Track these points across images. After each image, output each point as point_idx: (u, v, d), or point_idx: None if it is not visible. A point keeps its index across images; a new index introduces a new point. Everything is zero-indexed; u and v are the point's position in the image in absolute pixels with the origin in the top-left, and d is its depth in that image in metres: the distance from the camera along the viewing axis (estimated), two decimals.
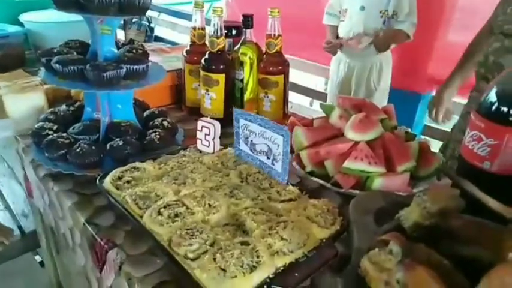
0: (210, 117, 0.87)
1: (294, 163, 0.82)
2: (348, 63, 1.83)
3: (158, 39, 3.42)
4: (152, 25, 3.33)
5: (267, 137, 0.74)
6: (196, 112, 1.14)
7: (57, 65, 0.76)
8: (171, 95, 1.24)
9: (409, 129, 0.93)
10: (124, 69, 0.78)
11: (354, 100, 0.90)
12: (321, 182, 0.77)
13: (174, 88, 1.23)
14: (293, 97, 2.74)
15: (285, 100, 1.11)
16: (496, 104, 0.60)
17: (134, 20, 3.34)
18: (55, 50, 0.83)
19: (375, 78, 1.85)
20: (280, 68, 1.05)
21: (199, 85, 1.11)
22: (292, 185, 0.74)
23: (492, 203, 0.53)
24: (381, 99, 1.90)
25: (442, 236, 0.57)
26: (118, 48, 0.89)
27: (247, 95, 1.13)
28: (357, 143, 0.77)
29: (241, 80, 1.11)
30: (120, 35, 3.51)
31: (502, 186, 0.64)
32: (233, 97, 1.12)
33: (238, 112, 0.80)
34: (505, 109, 0.59)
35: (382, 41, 1.54)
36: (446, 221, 0.56)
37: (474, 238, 0.56)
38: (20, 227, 1.40)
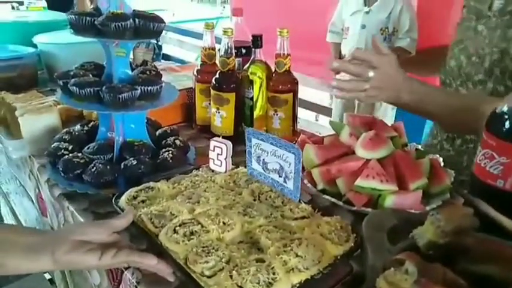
0: (221, 136, 0.89)
1: (306, 181, 0.83)
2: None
3: (166, 57, 3.48)
4: (160, 43, 3.40)
5: (278, 156, 0.75)
6: (206, 130, 1.15)
7: (74, 87, 0.78)
8: (182, 113, 1.26)
9: (419, 146, 0.94)
10: (138, 91, 0.80)
11: (364, 118, 0.91)
12: (333, 200, 0.77)
13: (184, 107, 1.25)
14: (299, 112, 2.76)
15: (294, 117, 1.12)
16: (508, 123, 0.61)
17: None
18: (71, 73, 0.85)
19: None
20: (289, 86, 1.07)
21: (209, 104, 1.13)
22: (305, 202, 0.75)
23: (507, 222, 0.53)
24: (384, 114, 1.91)
25: (457, 255, 0.57)
26: (132, 69, 0.91)
27: (256, 113, 1.14)
28: (368, 161, 0.78)
29: (251, 98, 1.12)
30: None
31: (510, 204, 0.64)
32: (243, 115, 1.14)
33: (251, 131, 0.81)
34: None
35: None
36: (460, 239, 0.56)
37: (490, 257, 0.56)
38: None
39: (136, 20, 0.78)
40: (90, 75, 0.85)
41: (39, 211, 1.10)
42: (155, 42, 3.35)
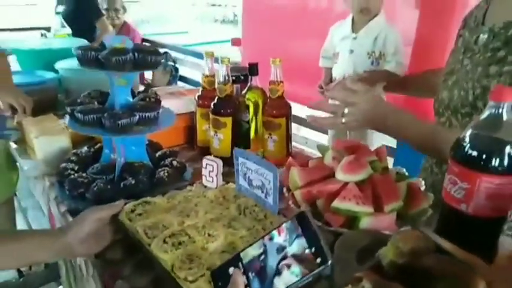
0: (219, 157, 0.96)
1: (290, 202, 0.88)
2: None
3: (183, 79, 3.62)
4: (177, 65, 3.55)
5: (260, 174, 0.81)
6: (206, 152, 1.22)
7: (79, 114, 0.87)
8: (185, 135, 1.34)
9: (404, 170, 0.97)
10: (137, 117, 0.89)
11: (348, 142, 0.95)
12: (313, 220, 0.82)
13: (187, 129, 1.34)
14: (311, 134, 2.84)
15: (287, 140, 1.18)
16: (468, 150, 0.64)
17: None
18: (78, 100, 0.94)
19: None
20: (282, 111, 1.13)
21: (209, 127, 1.21)
22: (285, 216, 0.80)
23: (446, 244, 0.57)
24: (376, 137, 1.91)
25: (416, 275, 0.60)
26: (134, 95, 1.00)
27: (252, 136, 1.21)
28: (346, 183, 0.82)
29: (248, 122, 1.19)
30: (148, 74, 3.76)
31: (479, 227, 0.67)
32: (240, 138, 1.20)
33: (238, 151, 0.88)
34: (475, 155, 0.63)
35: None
36: (419, 260, 0.60)
37: (447, 276, 0.59)
38: None
39: (136, 54, 0.86)
40: (96, 102, 0.94)
41: (50, 226, 1.18)
42: (172, 64, 3.51)
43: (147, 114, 0.90)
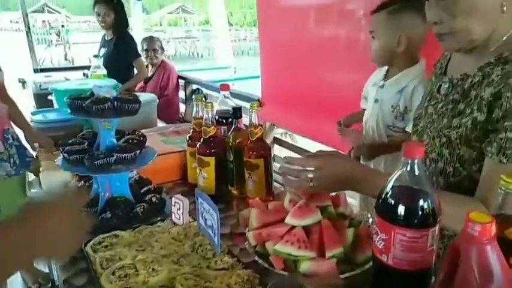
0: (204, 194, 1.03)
1: (247, 242, 0.93)
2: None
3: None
4: (208, 101, 3.72)
5: (210, 214, 0.88)
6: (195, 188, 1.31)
7: (65, 154, 1.00)
8: (180, 172, 1.44)
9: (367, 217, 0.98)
10: (114, 157, 1.00)
11: None
12: (260, 261, 0.86)
13: (182, 166, 1.43)
14: None
15: (267, 180, 1.23)
16: (384, 202, 0.67)
17: (194, 96, 3.79)
18: (70, 141, 1.08)
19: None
20: (260, 152, 1.19)
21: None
22: (233, 256, 0.85)
23: None
24: None
25: None
26: (124, 136, 1.12)
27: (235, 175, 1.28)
28: (293, 227, 0.86)
29: (232, 162, 1.27)
30: (182, 108, 3.98)
31: (397, 279, 0.68)
32: (224, 176, 1.28)
33: (198, 192, 0.95)
34: (390, 207, 0.66)
35: (365, 151, 1.51)
36: None
37: None
38: (52, 280, 1.65)
39: (115, 103, 0.99)
40: (86, 143, 1.07)
41: None
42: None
43: (123, 155, 1.01)
